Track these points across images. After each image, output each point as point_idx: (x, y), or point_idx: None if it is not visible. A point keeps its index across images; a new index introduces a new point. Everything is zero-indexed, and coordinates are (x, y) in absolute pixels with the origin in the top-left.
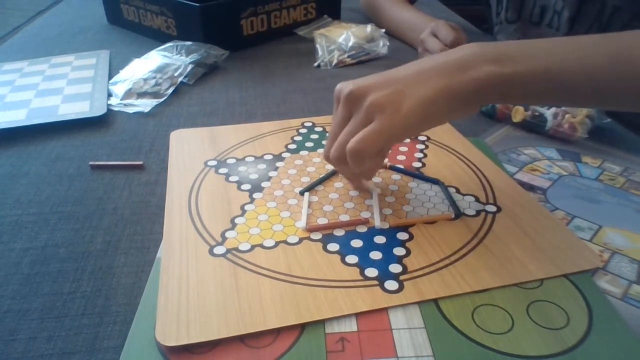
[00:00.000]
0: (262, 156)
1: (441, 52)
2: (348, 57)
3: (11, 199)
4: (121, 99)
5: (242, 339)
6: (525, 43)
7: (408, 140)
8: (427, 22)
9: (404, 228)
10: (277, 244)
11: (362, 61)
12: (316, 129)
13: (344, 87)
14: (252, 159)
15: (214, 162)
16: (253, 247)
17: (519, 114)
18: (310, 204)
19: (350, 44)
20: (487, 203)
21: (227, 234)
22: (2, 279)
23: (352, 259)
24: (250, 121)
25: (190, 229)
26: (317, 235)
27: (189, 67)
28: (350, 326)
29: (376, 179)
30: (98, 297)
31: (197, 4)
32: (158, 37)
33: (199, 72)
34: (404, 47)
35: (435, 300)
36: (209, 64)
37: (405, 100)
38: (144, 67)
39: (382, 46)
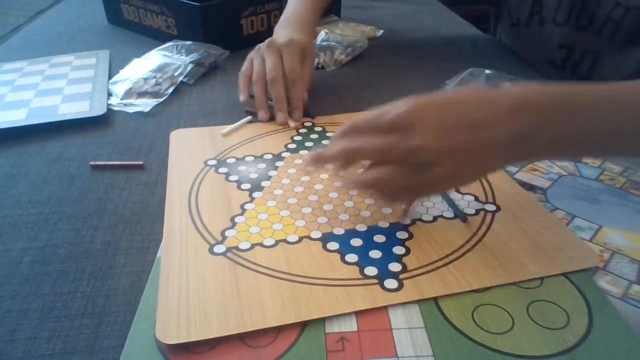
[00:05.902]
0: (262, 156)
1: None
2: (344, 55)
3: (11, 199)
4: (121, 99)
5: (242, 339)
6: (585, 97)
7: None
8: None
9: (404, 227)
10: (277, 242)
11: (356, 57)
12: (316, 128)
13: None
14: (252, 158)
15: (213, 162)
16: (253, 245)
17: None
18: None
19: (345, 41)
20: (487, 202)
21: (227, 233)
22: (2, 279)
23: (351, 257)
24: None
25: (190, 228)
26: (317, 234)
27: (189, 67)
28: (351, 326)
29: None
30: (98, 297)
31: (197, 4)
32: (158, 37)
33: (199, 72)
34: (395, 38)
35: (435, 300)
36: (209, 64)
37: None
38: (144, 66)
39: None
